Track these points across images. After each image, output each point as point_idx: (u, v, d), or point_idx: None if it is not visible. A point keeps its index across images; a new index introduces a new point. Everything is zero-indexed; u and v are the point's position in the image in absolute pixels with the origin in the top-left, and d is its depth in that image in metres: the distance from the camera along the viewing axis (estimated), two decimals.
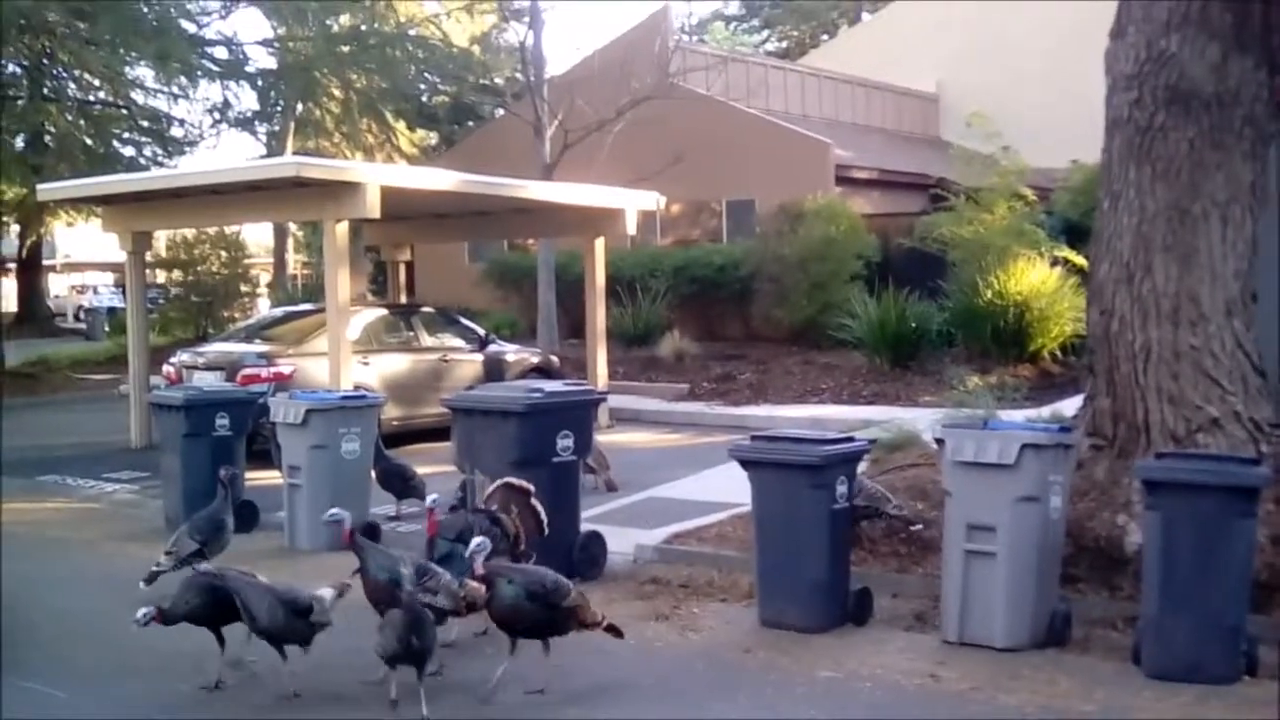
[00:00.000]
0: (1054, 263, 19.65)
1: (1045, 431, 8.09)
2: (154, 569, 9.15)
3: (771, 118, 29.93)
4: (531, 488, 8.82)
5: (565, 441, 9.96)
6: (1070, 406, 12.83)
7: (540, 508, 8.77)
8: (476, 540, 7.30)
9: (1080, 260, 18.09)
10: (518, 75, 32.01)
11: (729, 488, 11.50)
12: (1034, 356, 19.17)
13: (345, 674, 7.44)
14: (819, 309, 23.25)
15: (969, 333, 19.88)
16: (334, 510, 7.74)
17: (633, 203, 18.96)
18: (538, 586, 7.23)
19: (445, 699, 7.02)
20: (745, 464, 8.63)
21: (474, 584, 7.14)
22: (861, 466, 9.49)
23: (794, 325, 24.00)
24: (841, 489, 8.41)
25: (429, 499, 8.62)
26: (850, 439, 8.91)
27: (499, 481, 8.83)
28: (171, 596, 7.32)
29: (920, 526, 9.83)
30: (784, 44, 62.27)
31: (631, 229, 19.25)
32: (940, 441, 8.26)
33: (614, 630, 7.49)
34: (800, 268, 23.68)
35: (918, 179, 29.32)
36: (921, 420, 13.29)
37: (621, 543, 10.57)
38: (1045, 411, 13.40)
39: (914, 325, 20.30)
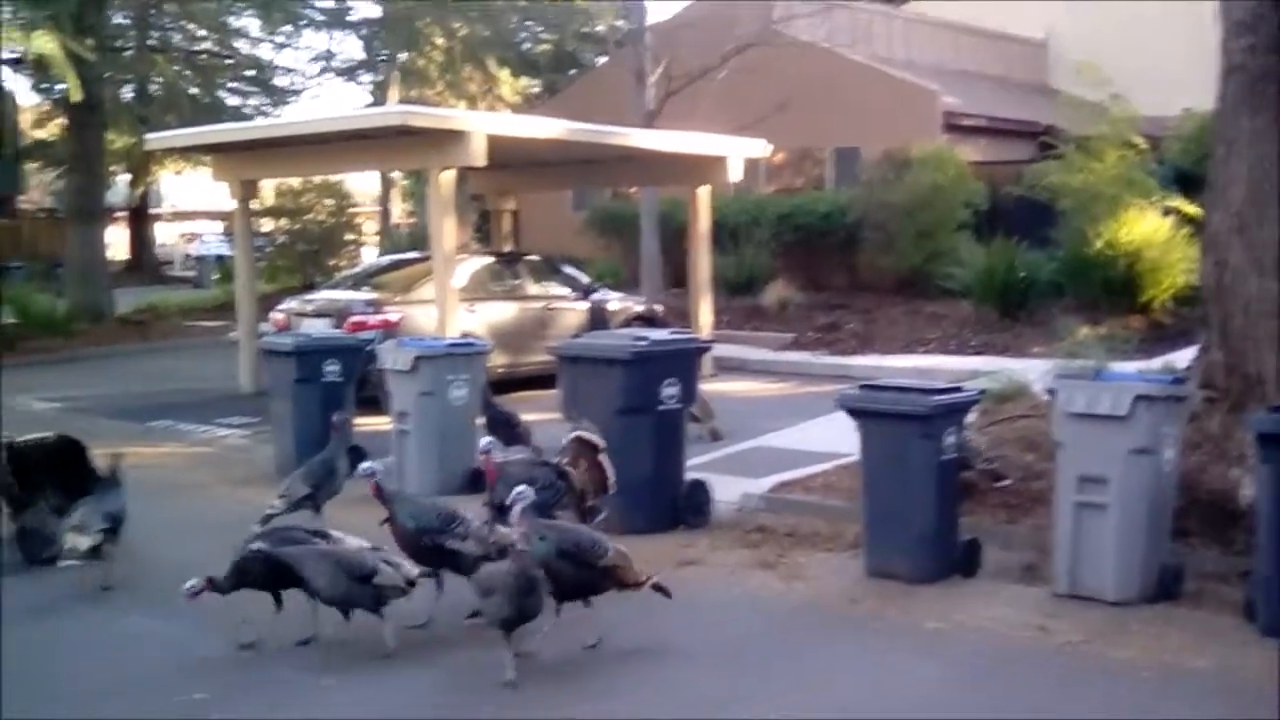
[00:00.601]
0: (1165, 212, 19.28)
1: (1158, 383, 7.98)
2: (267, 512, 9.25)
3: (877, 64, 29.62)
4: (602, 443, 8.72)
5: (670, 390, 9.96)
6: (1182, 358, 12.62)
7: (608, 464, 8.67)
8: (517, 489, 7.07)
9: (1192, 210, 17.75)
10: (620, 23, 31.88)
11: (835, 437, 11.45)
12: (1145, 307, 18.87)
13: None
14: (926, 257, 23.03)
15: (1079, 283, 19.60)
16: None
17: (737, 150, 18.87)
18: (570, 545, 7.07)
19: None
20: (853, 413, 8.58)
21: (505, 530, 7.06)
22: (970, 417, 9.41)
23: (900, 274, 23.79)
24: (950, 439, 8.34)
25: (482, 442, 8.54)
26: (959, 389, 8.82)
27: (571, 434, 8.78)
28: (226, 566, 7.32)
29: (1008, 482, 9.74)
30: None
31: (736, 177, 19.17)
32: (1052, 393, 8.16)
33: (661, 589, 7.19)
34: (907, 216, 23.45)
35: (1026, 126, 28.89)
36: (1031, 371, 13.14)
37: (727, 491, 10.58)
38: (1157, 363, 13.19)
39: (1023, 275, 20.04)
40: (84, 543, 8.27)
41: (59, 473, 9.29)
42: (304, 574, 7.08)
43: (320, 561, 7.10)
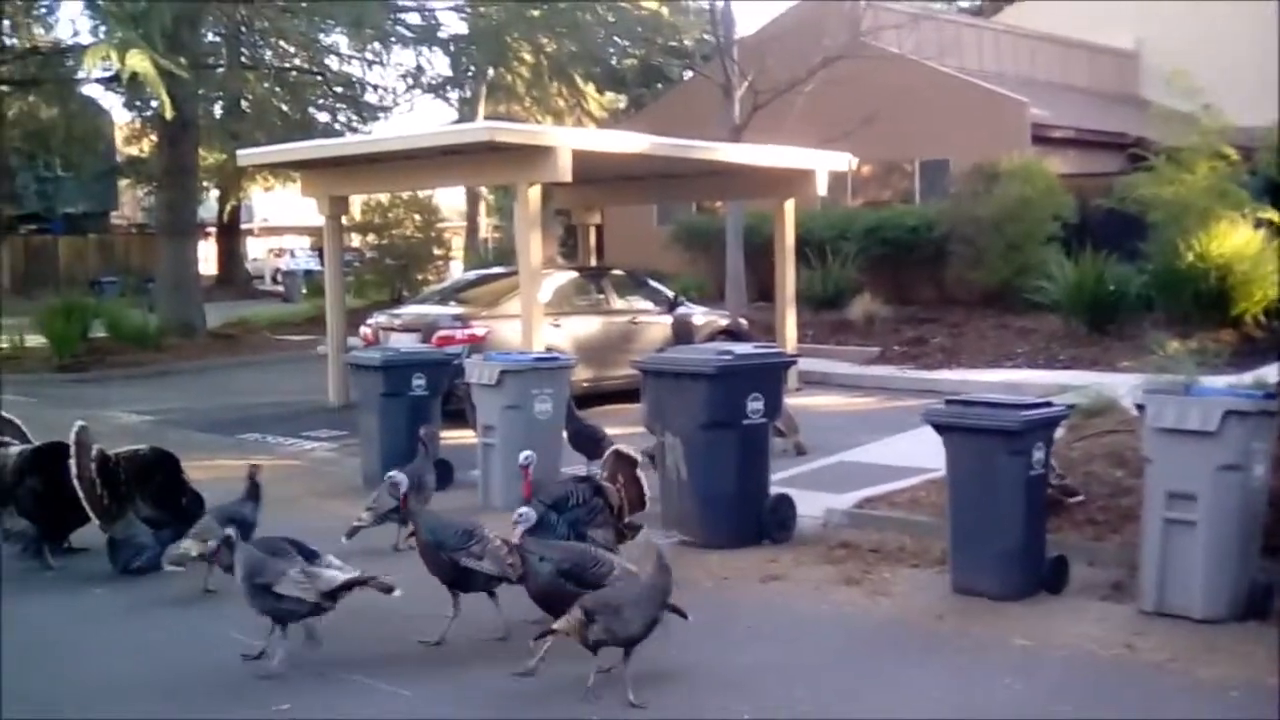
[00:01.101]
0: (1257, 224, 19.04)
1: (1249, 398, 7.86)
2: (355, 524, 9.35)
3: (965, 76, 29.47)
4: (639, 459, 8.65)
5: (755, 404, 9.93)
6: (1274, 372, 12.47)
7: (644, 480, 8.57)
8: (519, 510, 7.16)
9: None
10: (707, 36, 31.86)
11: (921, 452, 11.38)
12: (1236, 321, 18.60)
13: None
14: (1014, 271, 22.85)
15: (1169, 296, 19.37)
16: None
17: (823, 163, 18.82)
18: (571, 565, 7.03)
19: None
20: (940, 428, 8.51)
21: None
22: (1058, 432, 9.32)
23: (988, 287, 23.63)
24: (1038, 455, 8.26)
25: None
26: (1048, 404, 8.72)
27: (611, 449, 8.73)
28: None
29: (1081, 499, 9.62)
30: (977, 0, 61.20)
31: (822, 190, 19.11)
32: (1140, 407, 8.06)
33: (676, 610, 6.85)
34: (995, 229, 23.28)
35: (1116, 138, 28.65)
36: (1120, 386, 12.99)
37: (811, 506, 10.54)
38: (1248, 378, 13.00)
39: (1112, 288, 19.83)
40: (195, 549, 8.43)
41: (151, 485, 9.42)
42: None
43: (241, 565, 7.14)
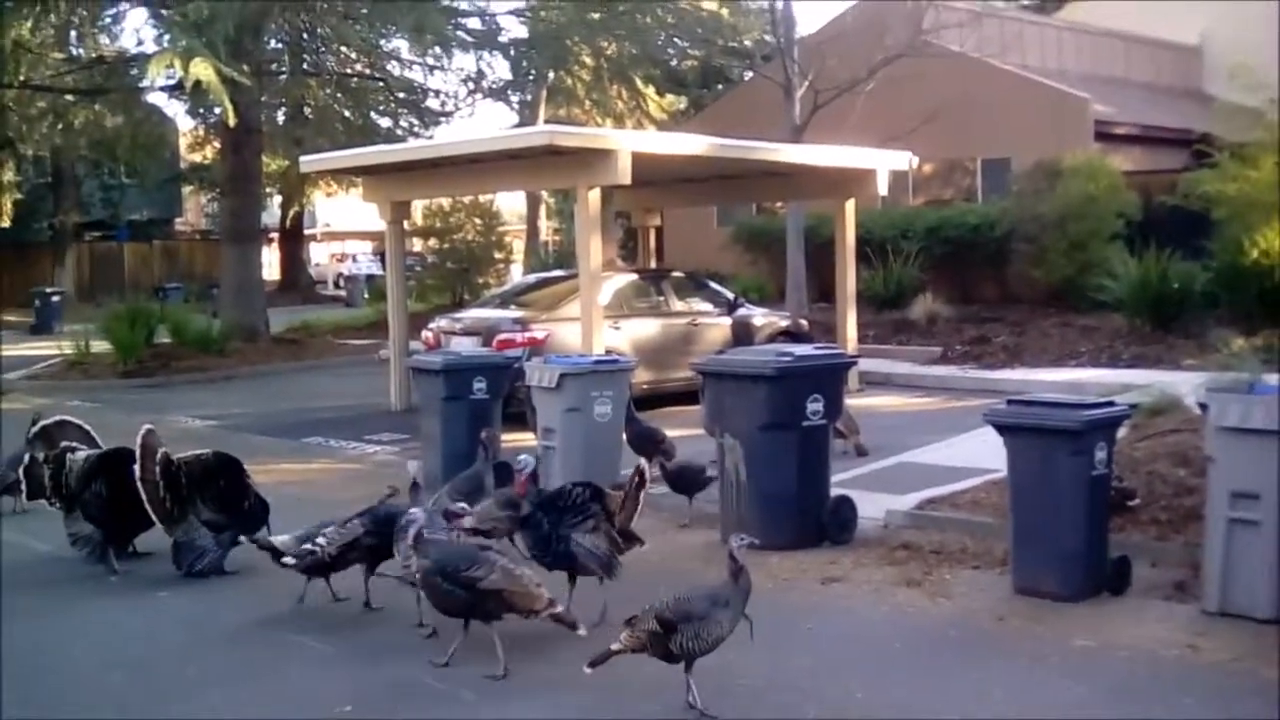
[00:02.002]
0: None
1: None
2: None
3: (1027, 73, 29.30)
4: (648, 478, 8.33)
5: (815, 405, 9.91)
6: None
7: (642, 499, 8.24)
8: (410, 512, 7.48)
9: None
10: (767, 37, 31.81)
11: (982, 453, 11.34)
12: None
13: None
14: (1078, 269, 22.71)
15: (1234, 294, 19.21)
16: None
17: (884, 163, 18.75)
18: (448, 563, 7.12)
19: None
20: (1001, 429, 8.47)
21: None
22: (1121, 432, 9.25)
23: (1051, 286, 23.50)
24: (1101, 455, 8.20)
25: (520, 460, 8.35)
26: (1110, 404, 8.66)
27: (642, 464, 8.40)
28: None
29: (1138, 502, 9.54)
30: None
31: (883, 190, 19.04)
32: (1204, 406, 7.99)
33: (561, 620, 7.04)
34: (1058, 227, 23.15)
35: (1180, 135, 28.41)
36: (1184, 384, 12.89)
37: (872, 508, 10.52)
38: None
39: (1176, 286, 19.68)
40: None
41: (213, 488, 9.51)
42: None
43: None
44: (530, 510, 7.98)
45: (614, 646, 6.40)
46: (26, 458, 10.50)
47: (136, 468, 9.23)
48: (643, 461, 8.53)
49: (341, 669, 7.35)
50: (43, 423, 10.80)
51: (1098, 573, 8.29)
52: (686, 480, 11.03)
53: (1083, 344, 19.78)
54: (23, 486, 10.50)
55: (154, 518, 9.34)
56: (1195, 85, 35.60)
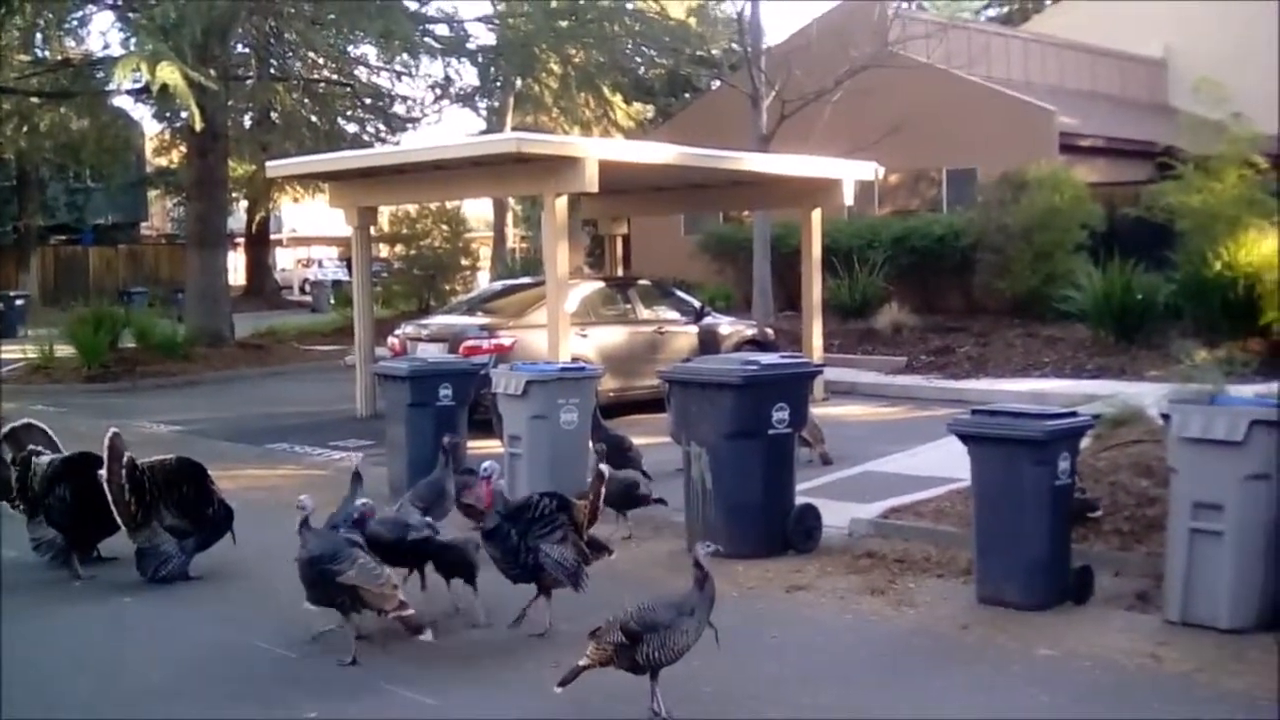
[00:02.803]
0: None
1: (1276, 407, 7.82)
2: None
3: (993, 85, 29.45)
4: (602, 488, 8.33)
5: (780, 414, 9.94)
6: None
7: (599, 509, 8.30)
8: (301, 497, 7.77)
9: None
10: (734, 46, 31.88)
11: (947, 463, 11.38)
12: (1265, 330, 18.49)
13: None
14: (1042, 280, 22.84)
15: (1197, 305, 19.31)
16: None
17: (850, 173, 18.81)
18: (315, 552, 7.47)
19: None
20: (965, 439, 8.50)
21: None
22: (1084, 442, 9.30)
23: (1016, 296, 23.62)
24: (1064, 465, 8.25)
25: (483, 466, 8.26)
26: (1074, 414, 8.70)
27: (599, 468, 8.46)
28: None
29: (1099, 513, 9.58)
30: (1005, 9, 61.05)
31: (849, 199, 19.10)
32: (1166, 417, 8.04)
33: (407, 623, 7.38)
34: (1023, 237, 23.28)
35: (1144, 147, 28.61)
36: (1147, 395, 12.91)
37: (837, 516, 10.53)
38: (1276, 387, 12.96)
39: (1140, 297, 19.78)
40: None
41: (176, 494, 9.47)
42: None
43: None
44: (498, 522, 7.91)
45: (581, 662, 6.38)
46: None
47: (104, 470, 9.20)
48: (604, 465, 8.52)
49: (305, 673, 7.33)
50: (10, 425, 10.74)
51: (1061, 582, 8.33)
52: (620, 495, 11.10)
53: (1047, 354, 19.88)
54: None
55: (119, 521, 9.31)
56: (1160, 98, 35.88)
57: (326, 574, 7.39)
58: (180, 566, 9.36)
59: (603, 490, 8.24)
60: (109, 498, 9.20)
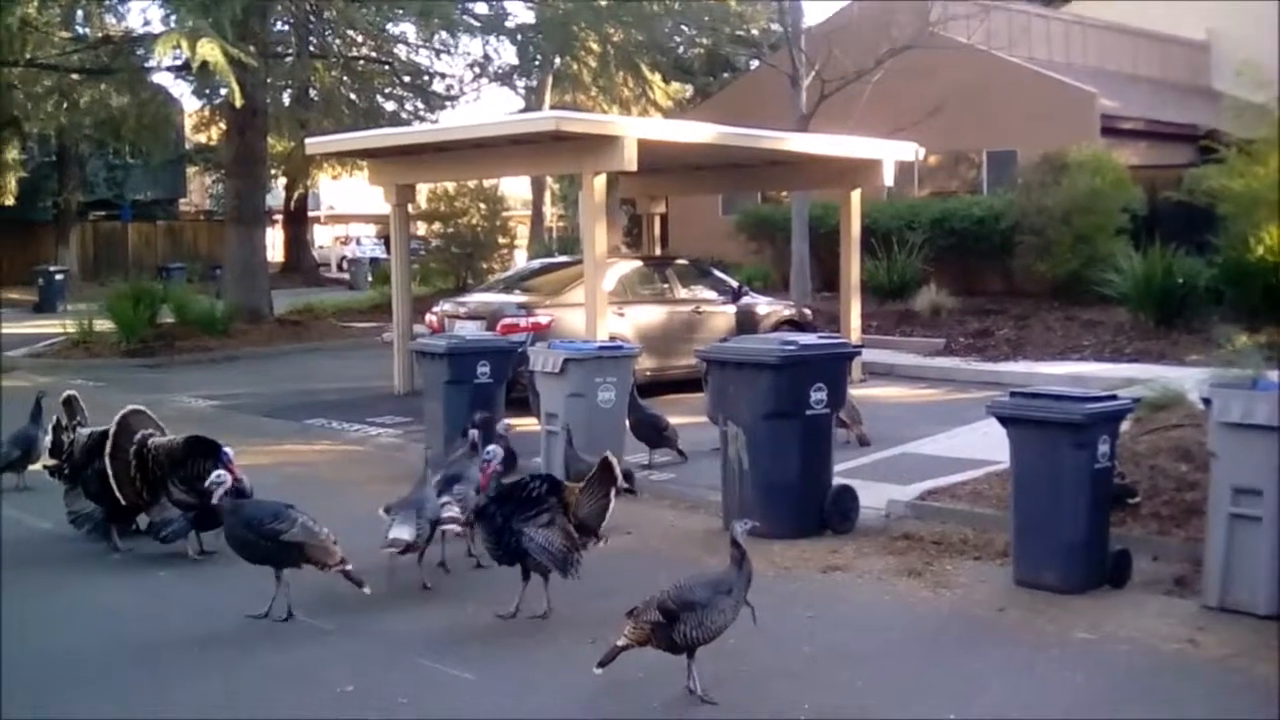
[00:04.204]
0: None
1: None
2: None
3: (1034, 66, 29.27)
4: (620, 481, 8.19)
5: (818, 395, 9.92)
6: None
7: (612, 502, 8.07)
8: (487, 450, 8.12)
9: None
10: (774, 26, 31.80)
11: (985, 445, 11.37)
12: None
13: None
14: (1082, 263, 22.69)
15: (1238, 290, 19.18)
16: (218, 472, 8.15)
17: (890, 154, 18.72)
18: (254, 518, 7.88)
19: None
20: (1004, 421, 8.47)
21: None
22: (1124, 426, 9.25)
23: (1055, 279, 23.48)
24: (1104, 448, 8.21)
25: (487, 451, 8.29)
26: (1113, 397, 8.66)
27: (603, 457, 8.24)
28: None
29: (1138, 499, 9.53)
30: None
31: (889, 180, 19.00)
32: (1207, 401, 7.99)
33: (350, 577, 7.87)
34: (1063, 220, 23.13)
35: (1186, 130, 28.37)
36: (1187, 380, 12.86)
37: (874, 497, 10.52)
38: None
39: (1181, 281, 19.65)
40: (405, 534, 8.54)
41: (183, 471, 9.44)
42: None
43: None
44: (485, 502, 7.87)
45: (620, 642, 6.38)
46: (53, 420, 10.65)
47: (108, 444, 9.32)
48: (609, 454, 8.33)
49: (342, 649, 7.36)
50: (66, 393, 10.86)
51: (1098, 566, 8.30)
52: (646, 428, 11.20)
53: (1086, 338, 19.78)
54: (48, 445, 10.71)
55: (116, 493, 9.40)
56: (1203, 81, 35.59)
57: (271, 533, 7.79)
58: (183, 528, 9.41)
59: (610, 479, 8.05)
60: (110, 473, 9.31)
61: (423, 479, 9.03)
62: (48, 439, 10.76)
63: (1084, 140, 25.10)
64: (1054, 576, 8.24)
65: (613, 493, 8.04)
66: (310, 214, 58.91)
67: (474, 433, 9.97)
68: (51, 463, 10.47)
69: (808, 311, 19.97)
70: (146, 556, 9.55)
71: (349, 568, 7.85)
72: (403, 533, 8.33)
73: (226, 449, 8.78)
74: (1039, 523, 8.27)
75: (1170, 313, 19.51)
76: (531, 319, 16.13)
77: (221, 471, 8.05)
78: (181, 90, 37.15)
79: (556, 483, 8.05)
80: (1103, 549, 8.34)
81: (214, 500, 7.93)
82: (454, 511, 8.52)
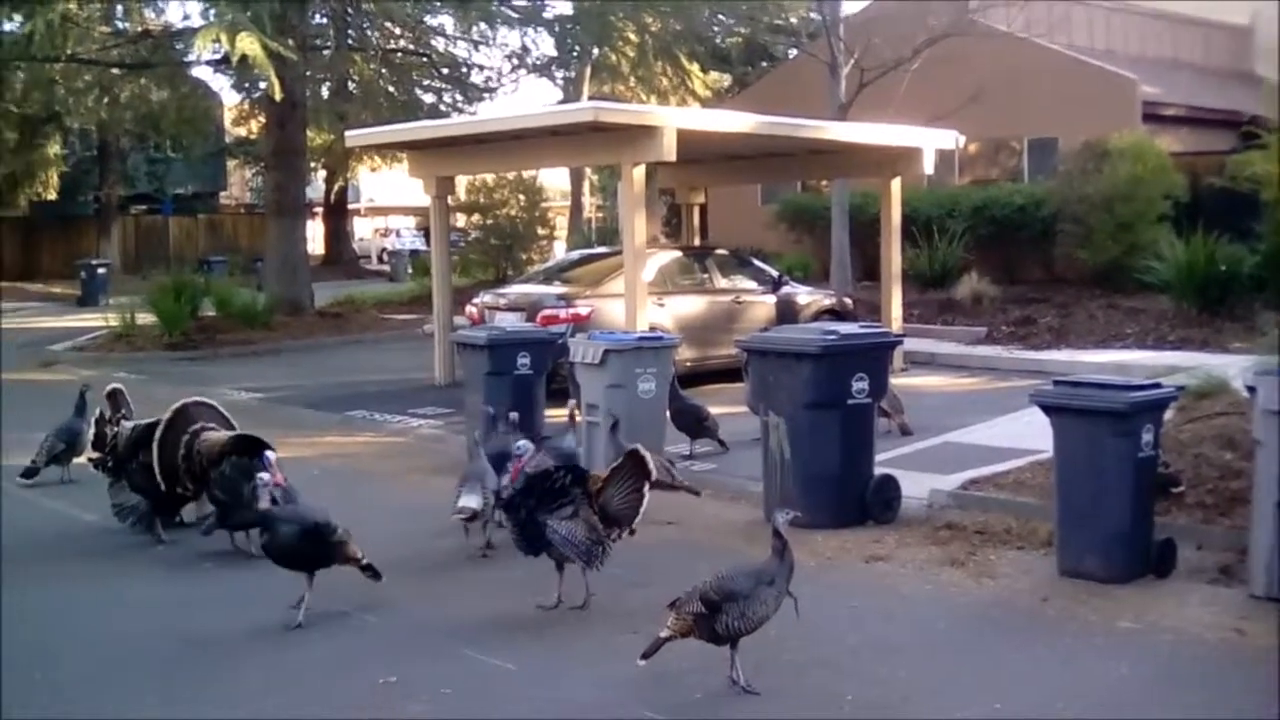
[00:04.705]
0: None
1: None
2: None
3: (1075, 53, 29.11)
4: (653, 472, 8.04)
5: (860, 384, 9.90)
6: None
7: (646, 497, 7.94)
8: (518, 444, 8.24)
9: None
10: (812, 14, 31.71)
11: (1027, 434, 11.32)
12: None
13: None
14: (1124, 251, 22.56)
15: None
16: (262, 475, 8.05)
17: (930, 142, 18.65)
18: (319, 519, 7.79)
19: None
20: (1047, 409, 8.43)
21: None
22: (1168, 414, 9.20)
23: (1097, 267, 23.35)
24: (1147, 437, 8.16)
25: (518, 446, 8.33)
26: (1157, 385, 8.60)
27: (631, 448, 8.16)
28: None
29: (1181, 489, 9.46)
30: None
31: (929, 169, 18.92)
32: (1251, 389, 7.93)
33: (372, 570, 7.90)
34: (1105, 208, 23.00)
35: (1229, 116, 28.18)
36: (1231, 367, 12.80)
37: (916, 487, 10.47)
38: None
39: (1223, 268, 19.50)
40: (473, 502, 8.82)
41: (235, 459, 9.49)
42: None
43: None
44: (511, 494, 7.89)
45: (663, 634, 6.38)
46: (96, 413, 10.71)
47: (158, 432, 9.39)
48: (639, 446, 8.24)
49: (385, 640, 7.37)
50: (111, 386, 10.92)
51: (1142, 555, 8.26)
52: (686, 418, 11.27)
53: (1128, 326, 19.65)
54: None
55: (158, 478, 9.54)
56: (1245, 66, 35.28)
57: (326, 533, 7.76)
58: (214, 523, 9.45)
59: (643, 471, 7.95)
60: (155, 461, 9.37)
61: (476, 454, 9.24)
62: (90, 431, 10.83)
63: (1125, 127, 24.94)
64: (1098, 566, 8.19)
65: (646, 487, 7.93)
66: (350, 206, 59.08)
67: (514, 415, 10.29)
68: (95, 455, 10.52)
69: (848, 301, 19.90)
70: (190, 549, 9.60)
71: (368, 561, 7.90)
72: (471, 501, 8.67)
73: (269, 453, 8.76)
74: (1083, 512, 8.23)
75: (1213, 300, 19.38)
76: (571, 310, 16.12)
77: (264, 475, 7.97)
78: (221, 84, 37.36)
79: (581, 473, 8.02)
80: (1147, 538, 8.30)
81: (261, 505, 7.78)
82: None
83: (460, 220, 36.18)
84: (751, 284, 18.36)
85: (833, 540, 9.35)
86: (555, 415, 12.66)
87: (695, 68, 37.04)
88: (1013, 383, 15.87)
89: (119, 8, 28.03)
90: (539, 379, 12.71)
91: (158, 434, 9.55)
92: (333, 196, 52.49)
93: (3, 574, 8.88)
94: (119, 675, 7.00)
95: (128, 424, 10.19)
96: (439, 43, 32.48)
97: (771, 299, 18.07)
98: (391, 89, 30.25)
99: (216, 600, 8.39)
